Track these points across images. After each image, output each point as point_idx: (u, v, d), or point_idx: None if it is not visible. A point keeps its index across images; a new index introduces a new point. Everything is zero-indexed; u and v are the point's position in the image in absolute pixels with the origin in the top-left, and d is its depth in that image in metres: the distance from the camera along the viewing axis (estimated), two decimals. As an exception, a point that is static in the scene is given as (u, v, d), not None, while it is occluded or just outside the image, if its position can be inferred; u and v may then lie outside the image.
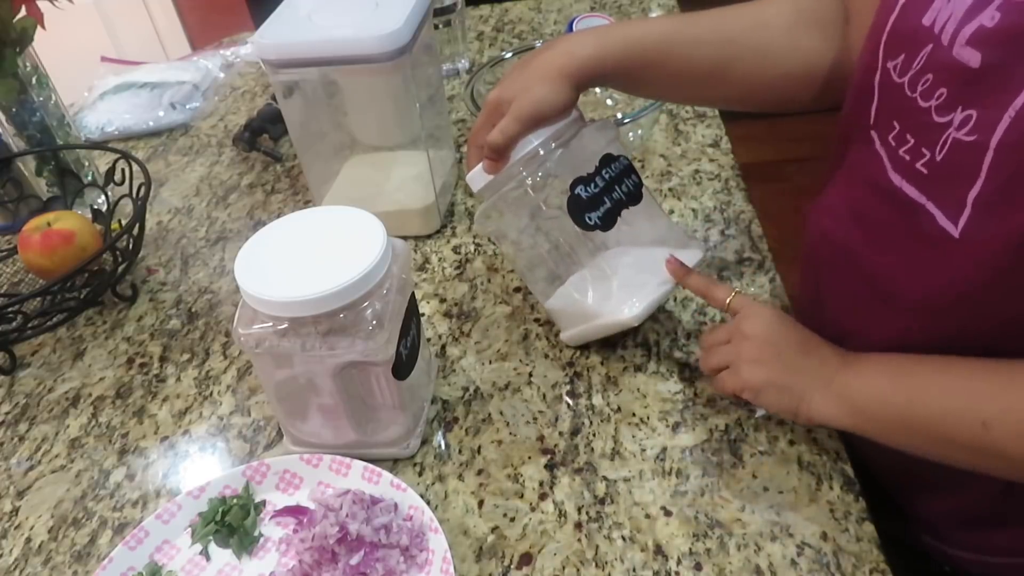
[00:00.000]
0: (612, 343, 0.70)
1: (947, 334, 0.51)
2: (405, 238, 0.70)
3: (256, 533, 0.58)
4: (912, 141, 0.51)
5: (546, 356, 0.70)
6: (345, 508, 0.55)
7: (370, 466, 0.59)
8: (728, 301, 0.61)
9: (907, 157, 0.51)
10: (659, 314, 0.72)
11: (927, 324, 0.52)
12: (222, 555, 0.57)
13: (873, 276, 0.56)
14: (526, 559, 0.55)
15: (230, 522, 0.58)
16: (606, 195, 0.62)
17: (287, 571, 0.54)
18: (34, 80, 0.91)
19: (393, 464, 0.62)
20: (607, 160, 0.64)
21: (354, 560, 0.53)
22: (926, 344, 0.52)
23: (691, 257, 0.64)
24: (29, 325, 0.76)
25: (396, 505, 0.56)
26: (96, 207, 0.95)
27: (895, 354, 0.53)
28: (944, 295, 0.50)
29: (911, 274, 0.52)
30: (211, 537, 0.58)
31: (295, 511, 0.59)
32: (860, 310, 0.58)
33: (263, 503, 0.60)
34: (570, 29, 1.18)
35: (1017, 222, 0.44)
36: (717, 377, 0.60)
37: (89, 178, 0.98)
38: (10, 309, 0.74)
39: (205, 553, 0.57)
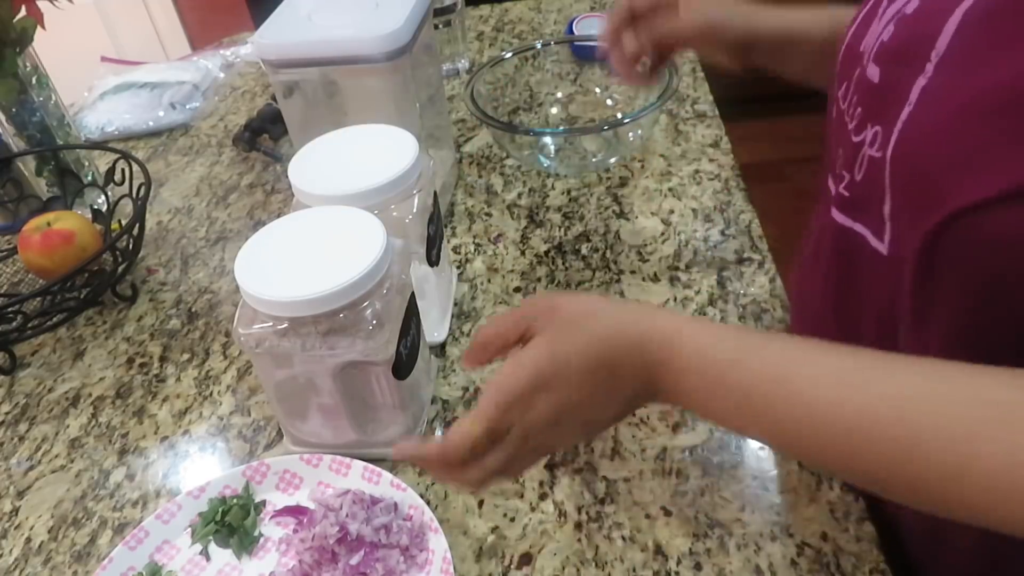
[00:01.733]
0: (612, 343, 0.70)
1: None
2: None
3: (256, 533, 0.58)
4: (842, 167, 0.51)
5: (546, 356, 0.70)
6: (345, 508, 0.55)
7: (370, 466, 0.59)
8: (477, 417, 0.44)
9: (837, 185, 0.51)
10: (659, 314, 0.72)
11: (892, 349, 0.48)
12: (222, 555, 0.57)
13: (839, 309, 0.54)
14: (526, 559, 0.55)
15: (230, 522, 0.58)
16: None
17: (287, 571, 0.54)
18: (34, 80, 0.91)
19: (393, 464, 0.62)
20: None
21: (354, 560, 0.53)
22: None
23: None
24: (29, 325, 0.76)
25: (396, 505, 0.56)
26: (96, 207, 0.95)
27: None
28: (892, 316, 0.47)
29: (862, 300, 0.50)
30: (211, 537, 0.58)
31: (295, 511, 0.59)
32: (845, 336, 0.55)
33: (263, 503, 0.60)
34: (570, 30, 1.19)
35: (925, 234, 0.41)
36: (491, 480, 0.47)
37: (89, 178, 0.98)
38: (10, 309, 0.74)
39: (205, 553, 0.57)
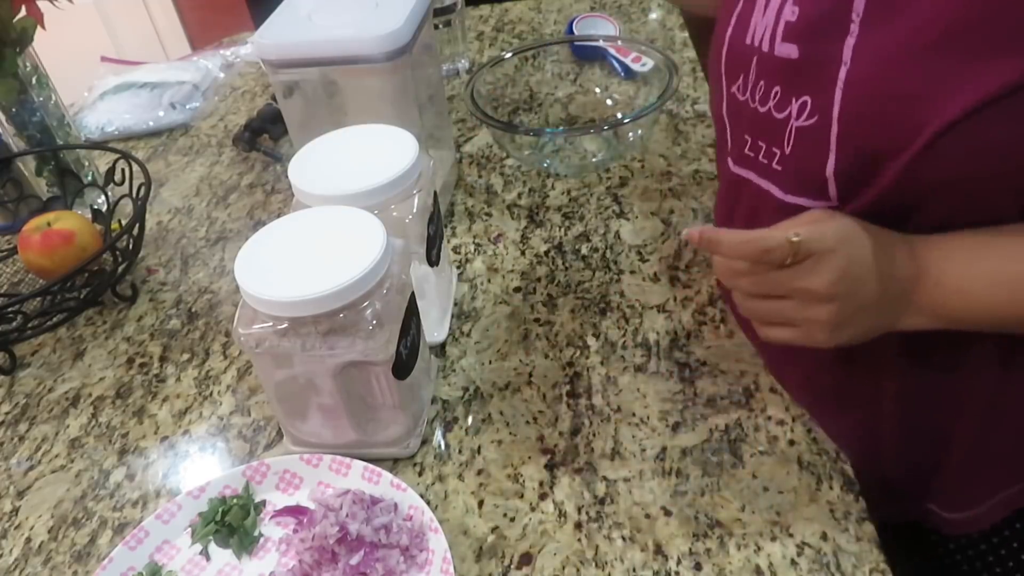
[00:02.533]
0: (612, 343, 0.70)
1: None
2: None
3: (256, 533, 0.58)
4: (763, 146, 0.55)
5: (546, 356, 0.70)
6: (345, 508, 0.55)
7: (370, 466, 0.59)
8: (794, 252, 0.47)
9: (764, 161, 0.56)
10: (659, 314, 0.72)
11: None
12: (222, 555, 0.57)
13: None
14: (526, 559, 0.55)
15: (230, 522, 0.57)
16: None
17: (287, 571, 0.54)
18: (34, 80, 0.91)
19: (393, 464, 0.62)
20: None
21: (354, 560, 0.53)
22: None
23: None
24: (29, 325, 0.76)
25: (396, 505, 0.56)
26: (96, 207, 0.95)
27: (964, 238, 0.50)
28: None
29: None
30: (211, 537, 0.58)
31: (295, 511, 0.59)
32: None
33: (263, 503, 0.60)
34: (570, 30, 1.19)
35: (882, 185, 0.48)
36: (771, 329, 0.53)
37: (89, 178, 0.98)
38: (10, 309, 0.74)
39: (205, 553, 0.57)
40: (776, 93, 0.53)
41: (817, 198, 0.52)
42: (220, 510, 0.58)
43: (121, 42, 2.29)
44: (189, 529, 0.58)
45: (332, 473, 0.60)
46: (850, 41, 0.48)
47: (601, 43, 1.04)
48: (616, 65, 1.02)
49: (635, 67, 0.99)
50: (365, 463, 0.59)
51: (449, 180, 0.92)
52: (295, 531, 0.57)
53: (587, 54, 1.04)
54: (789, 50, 0.51)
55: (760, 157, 0.56)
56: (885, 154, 0.47)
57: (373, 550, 0.54)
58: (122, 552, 0.56)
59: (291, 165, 0.64)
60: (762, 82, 0.54)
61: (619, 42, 1.02)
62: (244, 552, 0.57)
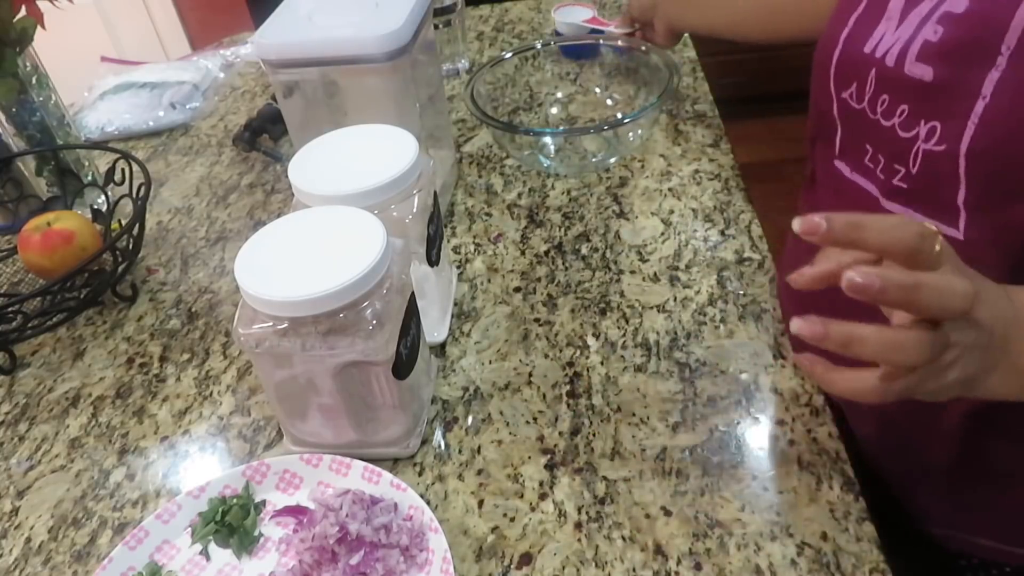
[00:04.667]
0: (612, 343, 0.70)
1: None
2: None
3: (256, 533, 0.58)
4: (883, 160, 0.52)
5: (546, 356, 0.70)
6: (345, 508, 0.55)
7: (370, 466, 0.59)
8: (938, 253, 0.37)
9: (882, 176, 0.53)
10: (659, 314, 0.72)
11: None
12: (222, 555, 0.57)
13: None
14: (526, 559, 0.55)
15: (230, 522, 0.57)
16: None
17: (287, 571, 0.54)
18: (34, 80, 0.91)
19: (393, 464, 0.62)
20: None
21: (354, 560, 0.53)
22: None
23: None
24: (29, 325, 0.76)
25: (396, 505, 0.56)
26: (96, 207, 0.95)
27: None
28: None
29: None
30: (211, 537, 0.58)
31: (295, 511, 0.59)
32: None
33: (263, 503, 0.60)
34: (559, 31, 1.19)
35: (1011, 220, 0.45)
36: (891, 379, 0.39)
37: (89, 178, 0.98)
38: (10, 309, 0.74)
39: (205, 553, 0.57)
40: (903, 112, 0.49)
41: (947, 224, 0.49)
42: (220, 510, 0.58)
43: (121, 42, 2.29)
44: (189, 529, 0.58)
45: (332, 473, 0.60)
46: (994, 75, 0.44)
47: (601, 43, 1.04)
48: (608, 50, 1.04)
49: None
50: (365, 463, 0.59)
51: (449, 180, 0.92)
52: (295, 531, 0.57)
53: (573, 52, 1.05)
54: (923, 71, 0.47)
55: (879, 171, 0.53)
56: (1014, 194, 0.44)
57: (373, 550, 0.54)
58: (122, 552, 0.56)
59: (291, 165, 0.64)
60: (886, 96, 0.51)
61: (619, 42, 1.02)
62: (244, 552, 0.57)
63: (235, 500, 0.59)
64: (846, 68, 0.54)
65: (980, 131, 0.44)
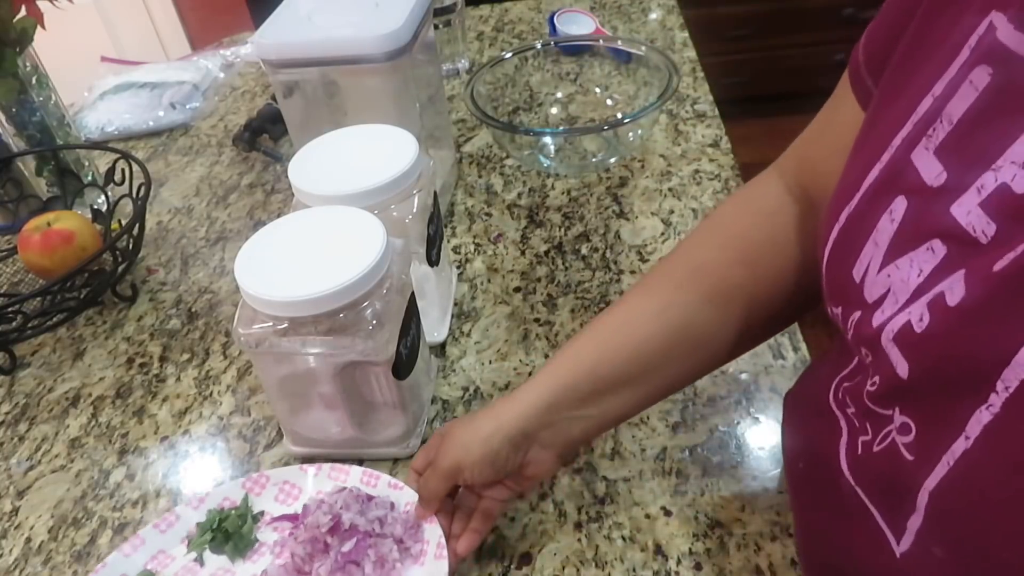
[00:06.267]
0: (612, 343, 0.70)
1: None
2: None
3: (252, 538, 0.57)
4: (853, 413, 0.41)
5: (546, 356, 0.70)
6: (340, 501, 0.55)
7: (368, 470, 0.58)
8: None
9: (856, 424, 0.41)
10: (659, 314, 0.72)
11: None
12: (216, 560, 0.56)
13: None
14: (526, 559, 0.55)
15: (226, 528, 0.57)
16: None
17: (279, 567, 0.54)
18: (34, 80, 0.91)
19: (393, 464, 0.62)
20: None
21: (346, 547, 0.52)
22: None
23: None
24: (29, 325, 0.76)
25: (392, 504, 0.56)
26: (96, 207, 0.95)
27: None
28: None
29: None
30: (207, 544, 0.57)
31: (292, 517, 0.58)
32: None
33: (261, 513, 0.59)
34: (552, 27, 1.19)
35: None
36: None
37: (89, 178, 0.98)
38: (10, 309, 0.74)
39: (199, 559, 0.56)
40: (875, 383, 0.38)
41: (888, 522, 0.38)
42: (218, 519, 0.57)
43: (121, 42, 2.29)
44: (186, 540, 0.58)
45: (331, 482, 0.59)
46: (983, 415, 0.31)
47: (601, 43, 1.04)
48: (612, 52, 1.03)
49: (630, 49, 1.00)
50: (364, 468, 0.59)
51: (449, 180, 0.92)
52: (291, 534, 0.57)
53: (571, 49, 1.05)
54: (897, 359, 0.35)
55: (854, 418, 0.41)
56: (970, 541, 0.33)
57: (366, 539, 0.53)
58: (116, 558, 0.55)
59: (291, 165, 0.64)
60: (866, 350, 0.38)
61: (619, 43, 1.02)
62: (238, 556, 0.56)
63: (233, 512, 0.58)
64: (834, 285, 0.41)
65: (953, 474, 0.33)
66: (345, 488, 0.56)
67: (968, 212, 0.32)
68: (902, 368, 0.35)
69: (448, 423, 0.57)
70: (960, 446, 0.32)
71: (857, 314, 0.38)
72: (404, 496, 0.56)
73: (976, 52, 0.34)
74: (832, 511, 0.42)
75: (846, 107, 0.46)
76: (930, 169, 0.35)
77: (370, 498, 0.56)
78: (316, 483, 0.59)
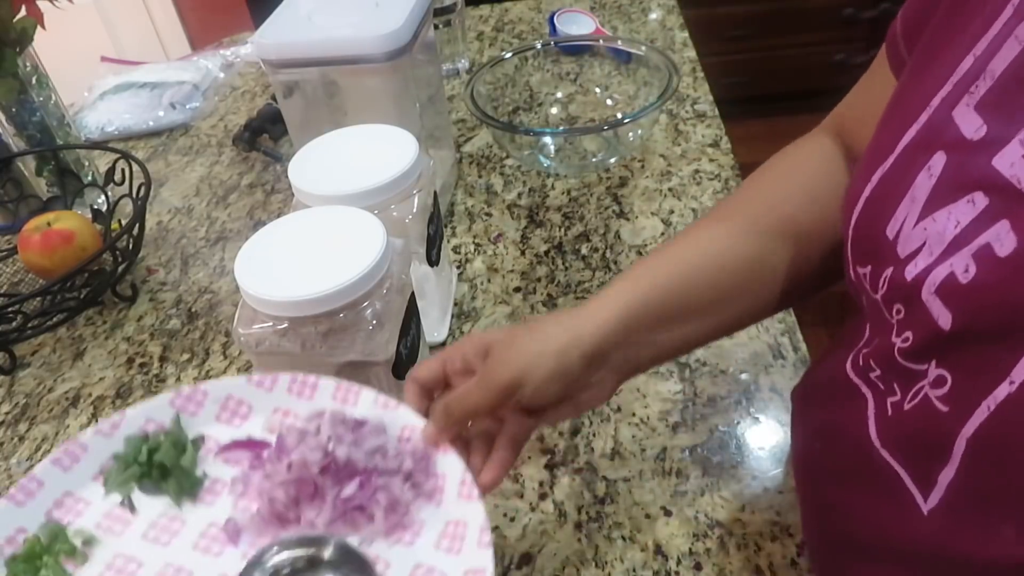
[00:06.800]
0: (612, 343, 0.70)
1: None
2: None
3: (199, 473, 0.45)
4: (878, 377, 0.41)
5: (546, 356, 0.70)
6: (325, 430, 0.44)
7: (345, 383, 0.47)
8: None
9: (881, 387, 0.41)
10: (659, 314, 0.72)
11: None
12: (154, 504, 0.44)
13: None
14: (526, 559, 0.55)
15: (161, 461, 0.45)
16: None
17: (251, 516, 0.43)
18: (34, 80, 0.91)
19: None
20: None
21: (347, 491, 0.42)
22: None
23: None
24: (29, 325, 0.76)
25: (385, 428, 0.46)
26: (96, 207, 0.95)
27: None
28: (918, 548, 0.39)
29: (883, 525, 0.41)
30: (133, 484, 0.45)
31: (248, 445, 0.46)
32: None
33: (201, 439, 0.47)
34: (552, 27, 1.19)
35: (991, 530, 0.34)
36: None
37: (89, 178, 0.98)
38: (10, 309, 0.74)
39: (128, 504, 0.44)
40: (908, 338, 0.38)
41: (916, 481, 0.39)
42: (144, 448, 0.45)
43: (121, 42, 2.29)
44: (101, 477, 0.45)
45: (293, 397, 0.48)
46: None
47: (601, 43, 1.04)
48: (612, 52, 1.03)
49: (630, 49, 1.00)
50: (338, 380, 0.47)
51: (449, 180, 0.92)
52: (252, 468, 0.45)
53: (577, 48, 1.05)
54: (939, 311, 0.35)
55: (880, 382, 0.41)
56: (1005, 491, 0.35)
57: (369, 478, 0.43)
58: (6, 510, 0.41)
59: (291, 165, 0.64)
60: (900, 307, 0.38)
61: (619, 43, 1.02)
62: (185, 497, 0.44)
63: (163, 437, 0.46)
64: (863, 244, 0.41)
65: (993, 419, 0.33)
66: (324, 412, 0.46)
67: (1012, 164, 0.32)
68: (944, 319, 0.35)
69: (492, 329, 0.51)
70: (1003, 391, 0.32)
71: (890, 270, 0.38)
72: (398, 418, 0.46)
73: (1021, 8, 0.34)
74: (854, 482, 0.42)
75: (882, 77, 0.47)
76: (970, 124, 0.35)
77: (360, 423, 0.45)
78: (272, 399, 0.48)
